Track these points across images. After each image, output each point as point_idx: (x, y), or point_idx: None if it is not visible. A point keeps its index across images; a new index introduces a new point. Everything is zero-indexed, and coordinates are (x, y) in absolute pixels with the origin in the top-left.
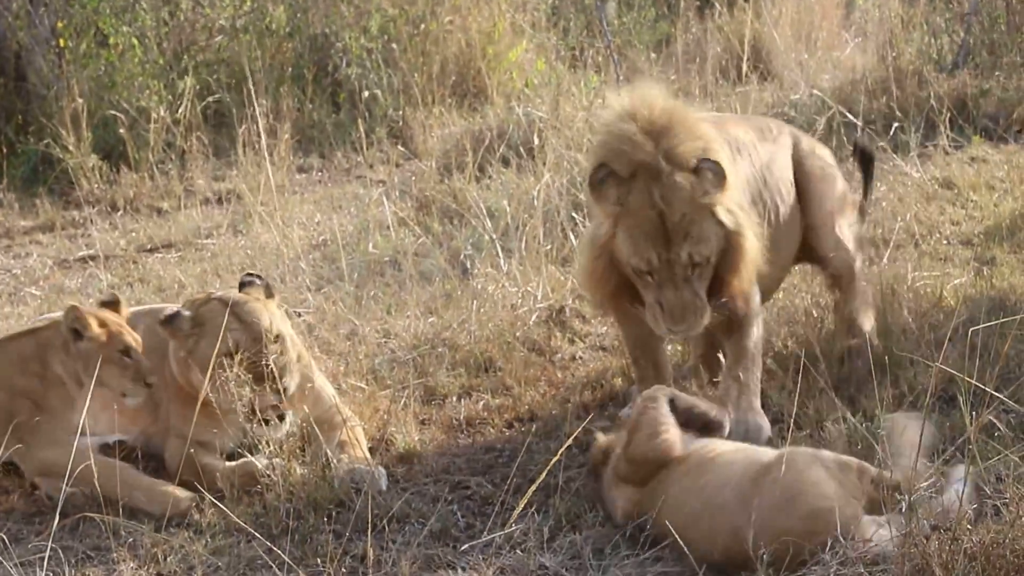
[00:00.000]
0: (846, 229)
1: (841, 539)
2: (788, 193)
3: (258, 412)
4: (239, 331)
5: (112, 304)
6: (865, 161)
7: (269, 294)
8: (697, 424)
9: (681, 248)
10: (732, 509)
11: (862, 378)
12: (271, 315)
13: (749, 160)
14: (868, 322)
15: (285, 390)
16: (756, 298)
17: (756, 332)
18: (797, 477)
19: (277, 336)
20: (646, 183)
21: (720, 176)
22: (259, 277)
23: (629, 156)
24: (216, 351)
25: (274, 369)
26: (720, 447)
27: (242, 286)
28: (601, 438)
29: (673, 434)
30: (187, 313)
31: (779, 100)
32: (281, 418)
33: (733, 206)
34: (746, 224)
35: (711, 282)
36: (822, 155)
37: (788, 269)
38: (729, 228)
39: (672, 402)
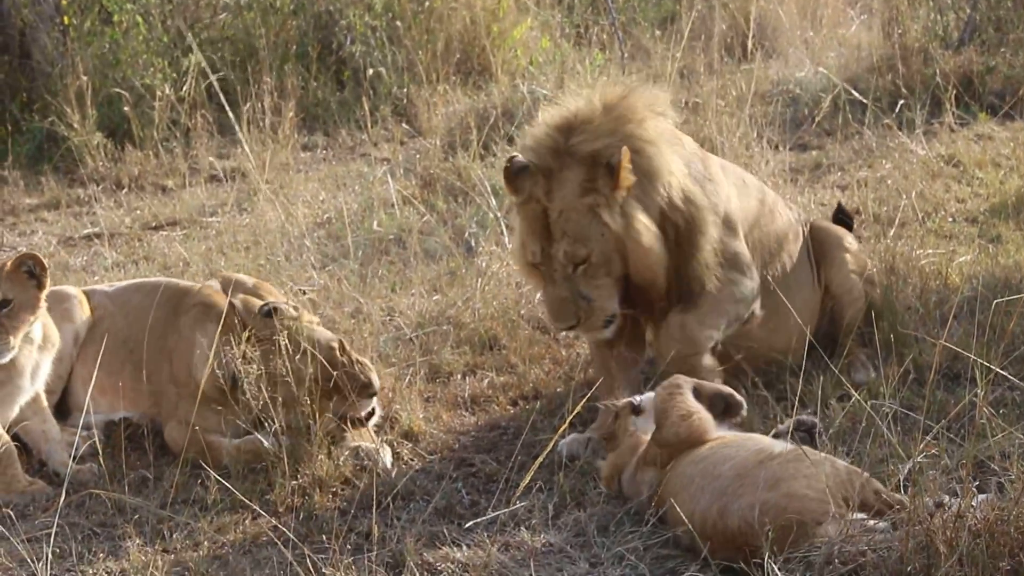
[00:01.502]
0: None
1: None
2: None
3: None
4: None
5: None
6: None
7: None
8: (718, 408)
9: (559, 244)
10: (726, 480)
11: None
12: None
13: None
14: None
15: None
16: (704, 332)
17: (694, 359)
18: (794, 465)
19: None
20: (540, 178)
21: (610, 175)
22: (279, 307)
23: (540, 150)
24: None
25: (364, 375)
26: (740, 436)
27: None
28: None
29: (706, 416)
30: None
31: (784, 78)
32: (371, 414)
33: (634, 210)
34: (641, 229)
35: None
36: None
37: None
38: (614, 230)
39: (695, 389)
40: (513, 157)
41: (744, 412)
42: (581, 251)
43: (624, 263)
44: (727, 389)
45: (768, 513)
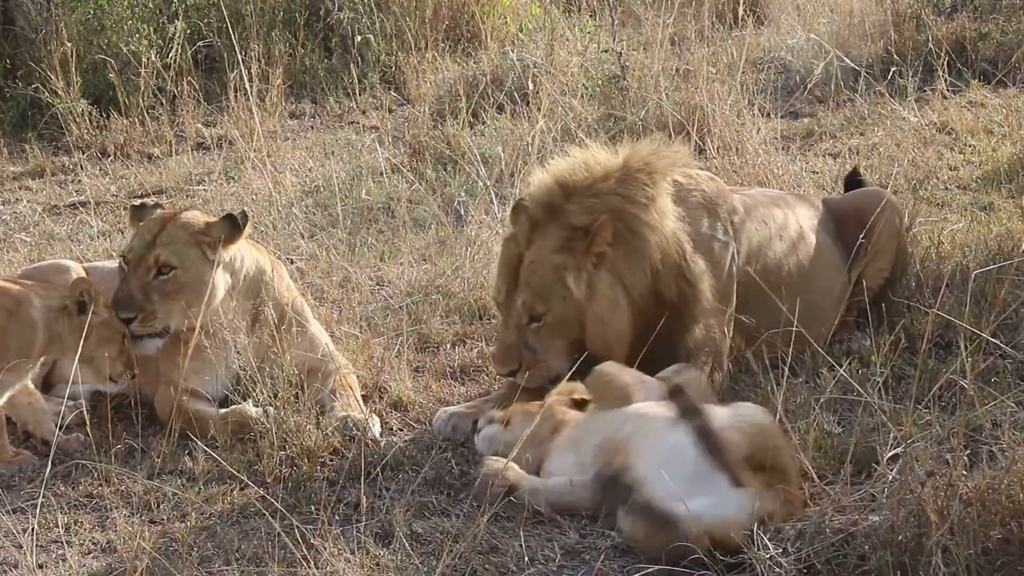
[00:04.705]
0: None
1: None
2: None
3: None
4: None
5: None
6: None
7: None
8: None
9: (521, 293)
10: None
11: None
12: None
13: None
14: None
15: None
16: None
17: None
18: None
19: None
20: (527, 225)
21: (584, 238)
22: None
23: (537, 199)
24: None
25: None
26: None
27: None
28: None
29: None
30: None
31: (776, 44)
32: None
33: (602, 283)
34: (604, 303)
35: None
36: None
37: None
38: (577, 299)
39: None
40: (521, 199)
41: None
42: (539, 307)
43: (582, 330)
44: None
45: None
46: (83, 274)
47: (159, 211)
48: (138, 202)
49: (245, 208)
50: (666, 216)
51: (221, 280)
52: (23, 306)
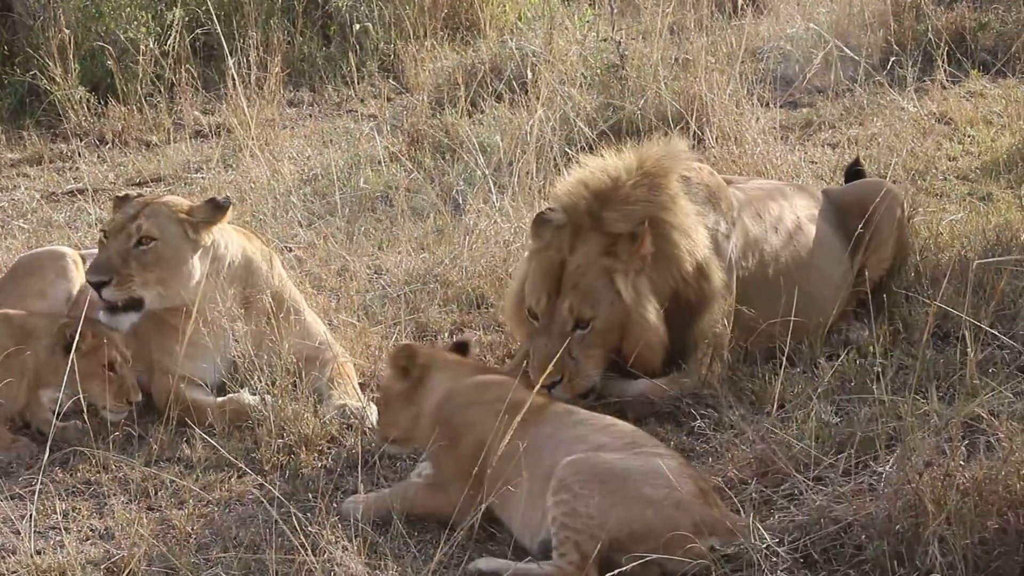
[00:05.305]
0: None
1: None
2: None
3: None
4: None
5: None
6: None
7: None
8: None
9: (567, 298)
10: None
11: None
12: None
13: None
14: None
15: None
16: None
17: None
18: None
19: None
20: (568, 231)
21: (631, 243)
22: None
23: (575, 205)
24: None
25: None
26: None
27: None
28: None
29: None
30: None
31: (775, 34)
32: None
33: (644, 288)
34: (649, 307)
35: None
36: None
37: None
38: (628, 303)
39: None
40: (548, 209)
41: None
42: (587, 311)
43: (622, 338)
44: None
45: None
46: (79, 261)
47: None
48: (122, 194)
49: (241, 195)
50: (688, 215)
51: (199, 262)
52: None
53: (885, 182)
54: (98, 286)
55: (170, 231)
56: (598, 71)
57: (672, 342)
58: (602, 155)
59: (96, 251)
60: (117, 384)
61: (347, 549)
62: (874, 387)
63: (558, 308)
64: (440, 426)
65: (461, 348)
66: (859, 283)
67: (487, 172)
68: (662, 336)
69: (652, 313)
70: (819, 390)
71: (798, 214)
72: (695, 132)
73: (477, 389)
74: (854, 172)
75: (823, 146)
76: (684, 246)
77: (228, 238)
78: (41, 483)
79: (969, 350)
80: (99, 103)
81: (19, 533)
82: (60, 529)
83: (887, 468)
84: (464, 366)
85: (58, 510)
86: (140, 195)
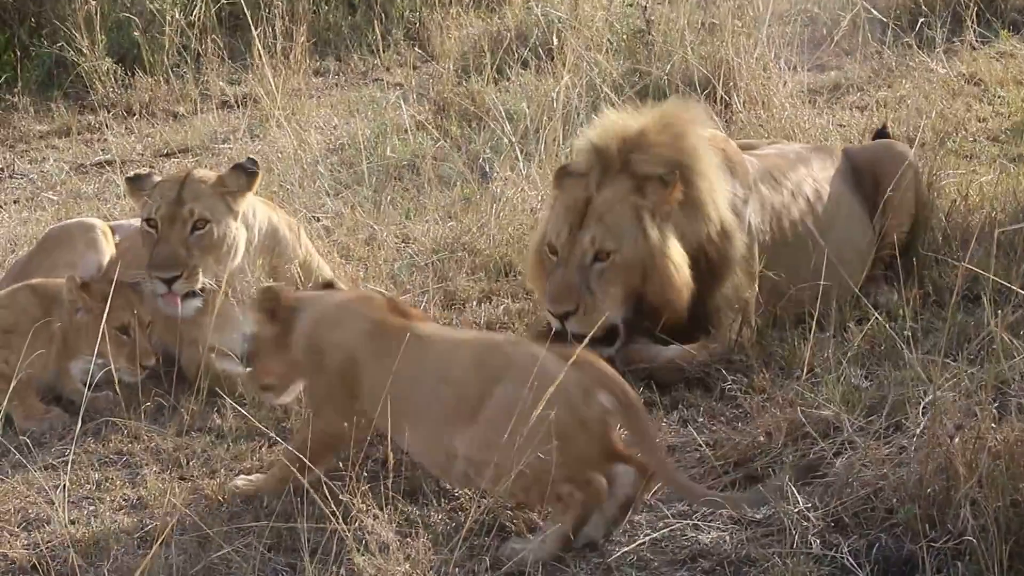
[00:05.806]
0: None
1: None
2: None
3: None
4: None
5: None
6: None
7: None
8: None
9: (589, 230)
10: None
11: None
12: None
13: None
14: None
15: None
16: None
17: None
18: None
19: None
20: (596, 173)
21: (663, 188)
22: None
23: (606, 147)
24: None
25: None
26: None
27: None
28: None
29: None
30: None
31: None
32: None
33: (671, 233)
34: (673, 251)
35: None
36: None
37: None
38: (652, 242)
39: None
40: (570, 163)
41: None
42: (609, 243)
43: (644, 280)
44: None
45: None
46: (108, 233)
47: (158, 176)
48: (132, 174)
49: (268, 166)
50: (712, 166)
51: (242, 233)
52: None
53: (897, 144)
54: (170, 282)
55: (219, 208)
56: (624, 36)
57: (695, 305)
58: (625, 110)
59: (126, 222)
60: (129, 347)
61: (378, 517)
62: (904, 351)
63: (579, 240)
64: (308, 355)
65: (328, 287)
66: (882, 246)
67: (514, 140)
68: (687, 279)
69: (677, 255)
70: (848, 354)
71: (815, 177)
72: (722, 97)
73: (338, 310)
74: (881, 135)
75: (851, 109)
76: (710, 196)
77: (256, 207)
78: (74, 454)
79: (999, 312)
80: (126, 74)
81: (53, 503)
82: (94, 499)
83: (918, 431)
84: (328, 295)
85: (91, 480)
86: (151, 174)
